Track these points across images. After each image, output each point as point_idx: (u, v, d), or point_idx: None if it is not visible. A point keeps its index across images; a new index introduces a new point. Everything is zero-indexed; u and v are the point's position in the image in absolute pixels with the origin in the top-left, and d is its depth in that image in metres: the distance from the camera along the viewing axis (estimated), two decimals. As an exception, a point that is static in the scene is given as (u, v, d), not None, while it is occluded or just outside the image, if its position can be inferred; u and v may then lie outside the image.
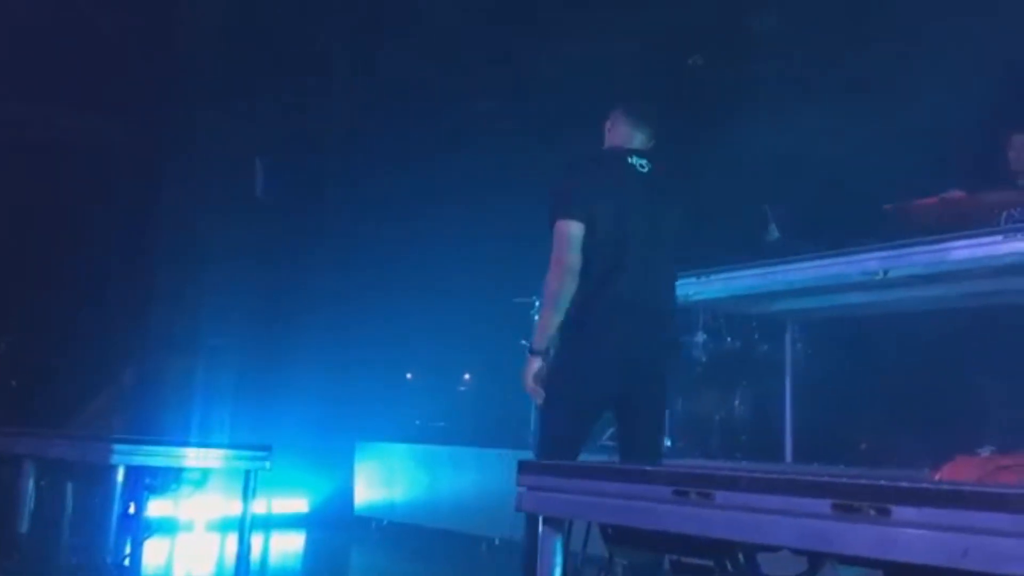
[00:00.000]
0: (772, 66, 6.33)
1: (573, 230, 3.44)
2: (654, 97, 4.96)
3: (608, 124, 3.85)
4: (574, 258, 3.42)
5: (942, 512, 1.35)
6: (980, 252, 3.33)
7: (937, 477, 2.71)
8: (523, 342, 7.24)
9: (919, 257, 3.53)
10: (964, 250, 3.37)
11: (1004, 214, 3.71)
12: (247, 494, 3.87)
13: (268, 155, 7.59)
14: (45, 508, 4.20)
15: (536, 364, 3.50)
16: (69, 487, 4.31)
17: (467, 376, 8.16)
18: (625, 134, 3.76)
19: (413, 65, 7.53)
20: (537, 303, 7.08)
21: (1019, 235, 3.23)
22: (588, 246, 3.44)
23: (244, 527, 3.87)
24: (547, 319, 3.49)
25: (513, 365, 7.30)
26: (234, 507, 4.00)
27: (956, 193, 4.20)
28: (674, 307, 3.67)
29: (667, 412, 6.02)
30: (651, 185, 3.62)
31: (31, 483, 4.18)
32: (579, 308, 3.41)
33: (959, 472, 2.63)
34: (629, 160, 3.65)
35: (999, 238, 3.27)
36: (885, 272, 3.65)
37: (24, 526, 4.08)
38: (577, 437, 3.46)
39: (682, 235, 3.67)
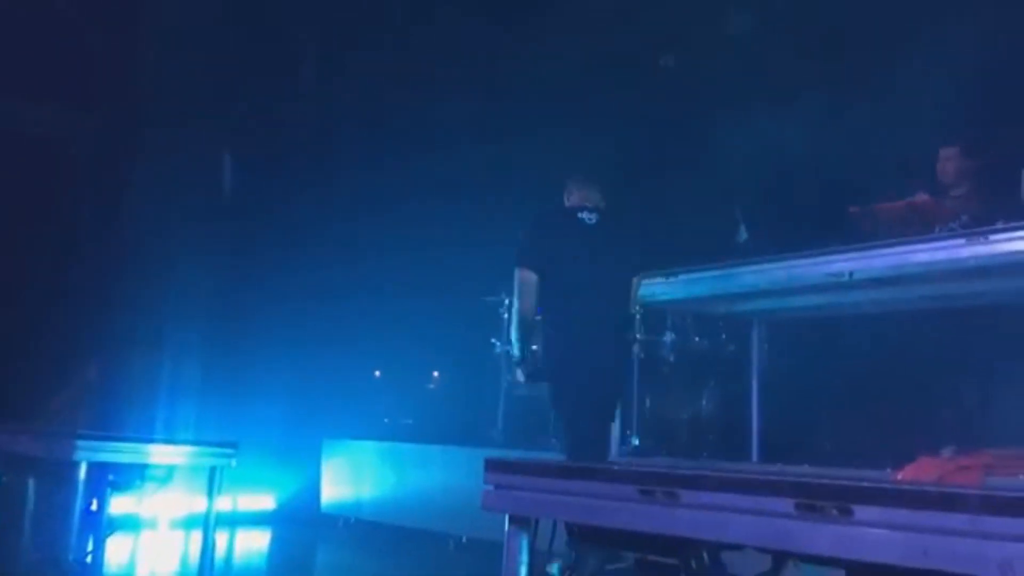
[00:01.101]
0: (742, 68, 6.38)
1: (527, 276, 4.54)
2: (600, 166, 5.71)
3: (565, 191, 4.89)
4: (528, 300, 4.55)
5: (903, 512, 1.37)
6: (943, 255, 3.37)
7: (900, 477, 2.74)
8: (492, 340, 7.26)
9: (884, 260, 3.57)
10: (927, 253, 3.41)
11: (963, 218, 3.76)
12: (212, 491, 3.84)
13: (236, 152, 7.53)
14: (7, 504, 4.14)
15: (521, 367, 4.74)
16: (31, 483, 4.25)
17: (436, 374, 8.15)
18: (578, 196, 4.84)
19: (382, 64, 7.51)
20: (507, 301, 7.10)
21: (981, 239, 3.27)
22: (545, 287, 4.54)
23: (209, 524, 3.84)
24: (516, 340, 4.63)
25: (481, 364, 7.35)
26: (199, 504, 3.97)
27: (922, 197, 4.25)
28: (618, 330, 4.73)
29: (633, 412, 6.06)
30: (595, 235, 4.68)
31: (-8, 478, 4.13)
32: (549, 334, 4.64)
33: (921, 472, 2.66)
34: (579, 215, 4.74)
35: (962, 241, 3.31)
36: (851, 274, 3.68)
37: (-16, 523, 4.03)
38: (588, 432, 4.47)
39: (630, 270, 4.54)
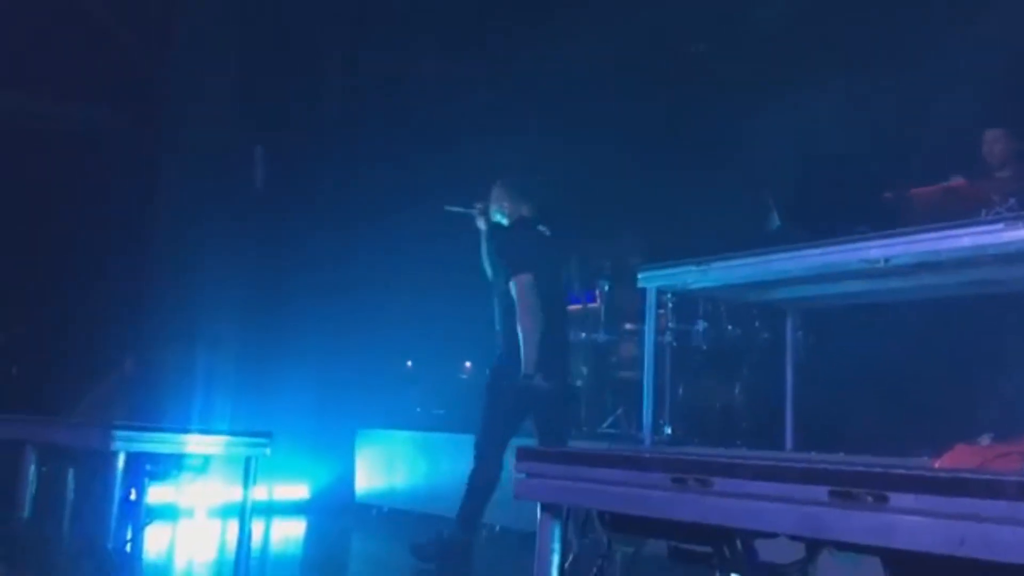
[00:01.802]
0: (774, 53, 6.32)
1: (532, 281, 4.74)
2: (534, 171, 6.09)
3: (502, 196, 5.06)
4: (538, 302, 4.72)
5: (939, 499, 1.35)
6: (982, 240, 3.32)
7: (936, 465, 2.71)
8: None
9: (920, 245, 3.52)
10: (965, 238, 3.36)
11: (1011, 200, 3.70)
12: (248, 480, 3.88)
13: (267, 145, 7.58)
14: (47, 494, 4.21)
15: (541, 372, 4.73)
16: (71, 473, 4.32)
17: (468, 364, 8.17)
18: (528, 208, 5.03)
19: (411, 55, 7.53)
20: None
21: (1021, 223, 3.22)
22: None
23: (245, 513, 3.88)
24: (534, 352, 4.70)
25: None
26: (235, 493, 4.01)
27: (958, 180, 4.19)
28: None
29: (666, 400, 6.04)
30: (553, 248, 5.07)
31: (33, 469, 4.20)
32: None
33: (958, 460, 2.63)
34: (539, 228, 5.02)
35: (1001, 226, 3.26)
36: (886, 260, 3.64)
37: (26, 512, 4.10)
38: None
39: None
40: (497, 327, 4.95)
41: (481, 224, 5.15)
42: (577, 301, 7.35)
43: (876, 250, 3.64)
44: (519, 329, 4.72)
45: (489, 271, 5.10)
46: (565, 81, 7.29)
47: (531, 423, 4.92)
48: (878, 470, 1.46)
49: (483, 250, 5.14)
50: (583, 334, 6.99)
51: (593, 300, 7.10)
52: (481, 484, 4.82)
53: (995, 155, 4.59)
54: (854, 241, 3.73)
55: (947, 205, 3.89)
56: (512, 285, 4.78)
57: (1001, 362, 4.51)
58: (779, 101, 5.95)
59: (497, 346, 4.96)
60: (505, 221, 5.08)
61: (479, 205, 5.13)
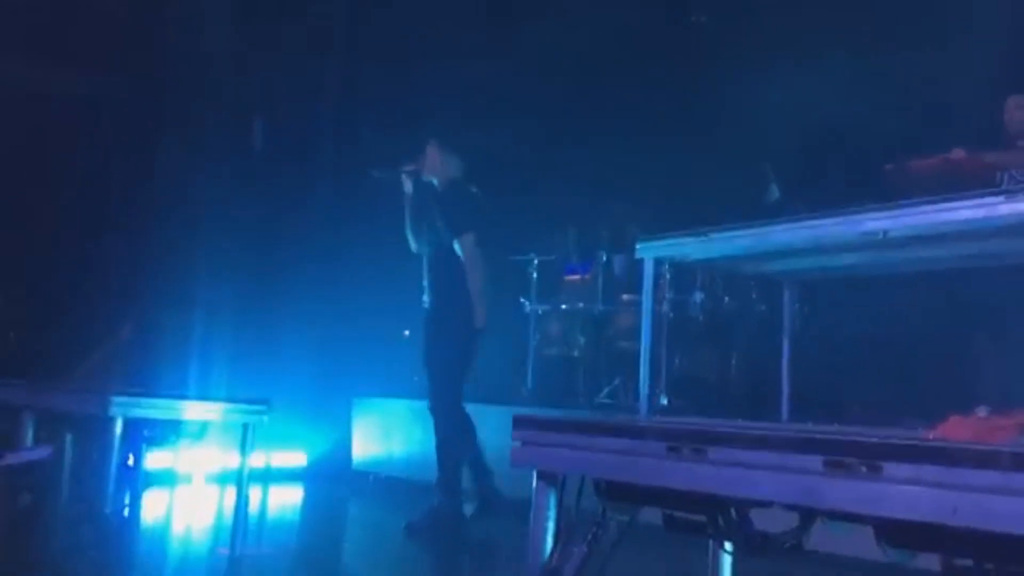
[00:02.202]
0: (775, 24, 6.27)
1: (476, 239, 4.96)
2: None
3: (436, 156, 5.15)
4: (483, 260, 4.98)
5: (933, 469, 1.36)
6: (980, 213, 3.31)
7: (931, 437, 2.72)
8: (521, 300, 7.27)
9: (919, 218, 3.51)
10: (964, 211, 3.35)
11: (1005, 175, 3.69)
12: (245, 447, 3.90)
13: (265, 110, 7.54)
14: (45, 460, 4.22)
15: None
16: (69, 439, 4.34)
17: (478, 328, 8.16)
18: (456, 165, 5.15)
19: (411, 21, 7.46)
20: (536, 260, 7.08)
21: (1020, 196, 3.21)
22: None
23: (242, 480, 3.90)
24: (485, 307, 4.99)
25: (511, 323, 7.36)
26: (233, 460, 4.03)
27: (958, 153, 4.17)
28: None
29: (662, 371, 6.06)
30: (486, 207, 5.20)
31: (30, 434, 4.21)
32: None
33: (952, 432, 2.64)
34: (472, 189, 5.16)
35: (1000, 199, 3.25)
36: (884, 233, 3.63)
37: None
38: None
39: None
40: (425, 283, 5.15)
41: (408, 187, 5.20)
42: (575, 271, 7.36)
43: (874, 222, 3.63)
44: (469, 285, 4.96)
45: (413, 233, 5.21)
46: (565, 51, 7.24)
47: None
48: (872, 440, 1.47)
49: (407, 212, 5.21)
50: (580, 304, 7.00)
51: (590, 270, 7.10)
52: (451, 443, 4.97)
53: (1016, 121, 4.49)
54: (852, 213, 3.72)
55: (947, 177, 3.87)
56: (457, 244, 5.00)
57: (998, 335, 4.52)
58: (780, 72, 5.92)
59: (425, 304, 5.15)
60: (436, 181, 5.18)
61: (409, 167, 5.18)
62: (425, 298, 5.17)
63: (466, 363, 5.09)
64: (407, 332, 8.26)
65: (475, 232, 5.03)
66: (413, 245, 5.25)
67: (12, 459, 3.41)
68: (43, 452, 3.64)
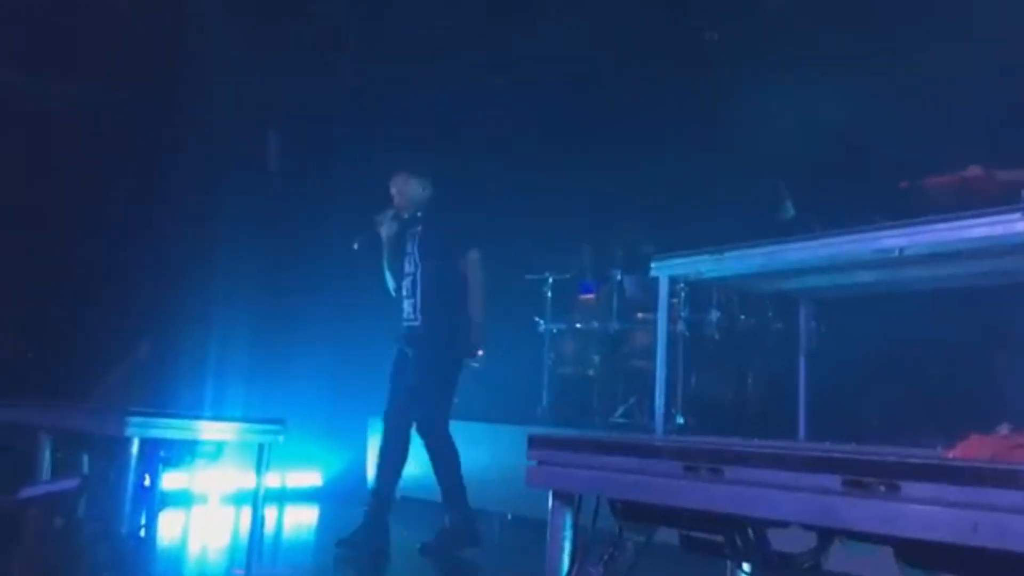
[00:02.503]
0: (787, 41, 6.28)
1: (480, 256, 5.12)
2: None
3: (411, 185, 5.25)
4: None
5: (952, 488, 1.35)
6: (997, 231, 3.29)
7: (950, 456, 2.69)
8: (536, 319, 7.26)
9: (935, 235, 3.49)
10: (981, 228, 3.33)
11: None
12: (261, 467, 3.90)
13: (281, 129, 7.59)
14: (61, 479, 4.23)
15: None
16: (85, 459, 4.35)
17: (480, 352, 8.16)
18: (429, 187, 5.28)
19: (425, 36, 7.51)
20: (550, 279, 7.08)
21: (1037, 213, 3.18)
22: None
23: (258, 500, 3.90)
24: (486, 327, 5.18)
25: (526, 342, 7.35)
26: (248, 480, 4.03)
27: (974, 170, 4.15)
28: None
29: (678, 390, 6.02)
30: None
31: (48, 454, 4.22)
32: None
33: (972, 451, 2.62)
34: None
35: (1017, 215, 3.23)
36: (901, 250, 3.61)
37: (41, 497, 4.12)
38: None
39: None
40: (412, 304, 5.18)
41: (392, 229, 5.27)
42: (589, 290, 7.35)
43: (890, 240, 3.61)
44: (472, 304, 5.08)
45: (392, 272, 5.32)
46: (579, 68, 7.26)
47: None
48: (891, 459, 1.46)
49: (386, 253, 5.30)
50: (595, 323, 6.99)
51: (605, 289, 7.09)
52: (452, 461, 5.03)
53: None
54: (868, 231, 3.71)
55: (963, 195, 3.85)
56: (468, 265, 5.12)
57: (1016, 353, 4.48)
58: (794, 89, 5.92)
59: (412, 324, 5.18)
60: (419, 212, 5.26)
61: (388, 212, 5.25)
62: (412, 319, 5.19)
63: (456, 383, 5.22)
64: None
65: (479, 248, 5.14)
66: (392, 284, 5.33)
67: (44, 489, 3.42)
68: (72, 483, 3.65)
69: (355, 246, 5.34)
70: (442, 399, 5.14)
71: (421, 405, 5.11)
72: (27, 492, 3.24)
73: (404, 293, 5.23)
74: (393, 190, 5.26)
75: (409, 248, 5.26)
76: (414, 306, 5.17)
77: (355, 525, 5.04)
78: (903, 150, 5.28)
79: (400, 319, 5.25)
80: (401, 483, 5.47)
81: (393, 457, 5.18)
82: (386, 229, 5.26)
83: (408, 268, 5.23)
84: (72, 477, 3.59)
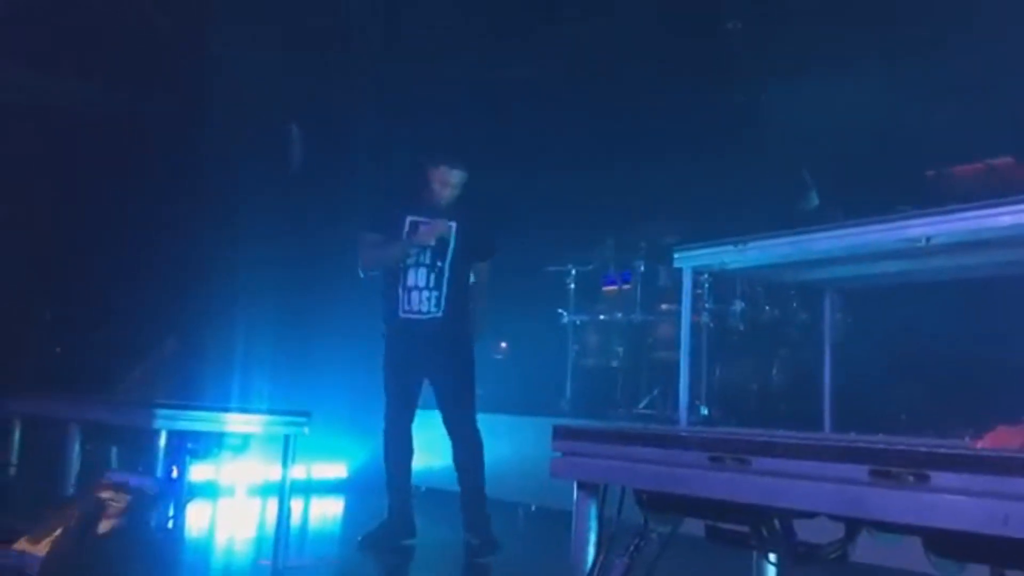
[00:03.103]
0: (812, 30, 6.22)
1: None
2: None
3: (453, 178, 5.02)
4: None
5: (982, 478, 1.34)
6: (1025, 219, 3.25)
7: (978, 446, 2.67)
8: (559, 310, 7.26)
9: (962, 224, 3.46)
10: (1008, 216, 3.30)
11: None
12: (286, 459, 3.93)
13: (303, 124, 7.61)
14: (91, 471, 4.28)
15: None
16: (114, 451, 4.40)
17: (503, 344, 8.18)
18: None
19: (445, 31, 7.51)
20: (573, 271, 7.08)
21: (1066, 201, 3.15)
22: None
23: (284, 491, 3.93)
24: None
25: (549, 334, 7.35)
26: (274, 472, 4.06)
27: (1004, 159, 4.10)
28: None
29: (702, 381, 6.00)
30: None
31: (77, 447, 4.27)
32: None
33: (1000, 441, 2.59)
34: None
35: (1045, 204, 3.20)
36: (927, 239, 3.58)
37: (70, 489, 4.18)
38: None
39: None
40: (436, 295, 4.99)
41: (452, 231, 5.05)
42: (613, 282, 7.33)
43: (917, 229, 3.58)
44: (481, 303, 5.17)
45: (428, 268, 5.03)
46: (604, 61, 7.24)
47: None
48: (920, 449, 1.45)
49: (428, 253, 5.02)
50: (619, 314, 6.97)
51: (629, 280, 7.07)
52: (482, 456, 5.05)
53: None
54: (894, 220, 3.68)
55: (991, 184, 3.81)
56: (485, 265, 5.19)
57: (1045, 343, 4.44)
58: (817, 78, 5.88)
59: (434, 315, 4.99)
60: (463, 206, 5.10)
61: (448, 224, 5.00)
62: (432, 311, 4.98)
63: None
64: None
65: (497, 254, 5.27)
66: (423, 280, 5.01)
67: (128, 480, 3.41)
68: (151, 486, 3.62)
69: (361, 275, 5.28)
70: (475, 391, 5.17)
71: (467, 403, 5.09)
72: (113, 477, 3.23)
73: (419, 283, 4.99)
74: (436, 183, 4.99)
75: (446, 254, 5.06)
76: (437, 299, 4.99)
77: (380, 518, 5.04)
78: (929, 138, 5.24)
79: (403, 310, 5.03)
80: (432, 475, 5.51)
81: (407, 454, 5.16)
82: (450, 232, 5.02)
83: (425, 258, 4.99)
84: (151, 480, 3.56)
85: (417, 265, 5.00)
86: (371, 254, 5.09)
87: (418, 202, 5.04)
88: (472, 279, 5.17)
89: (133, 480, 3.30)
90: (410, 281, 5.02)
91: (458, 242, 5.02)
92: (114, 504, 3.05)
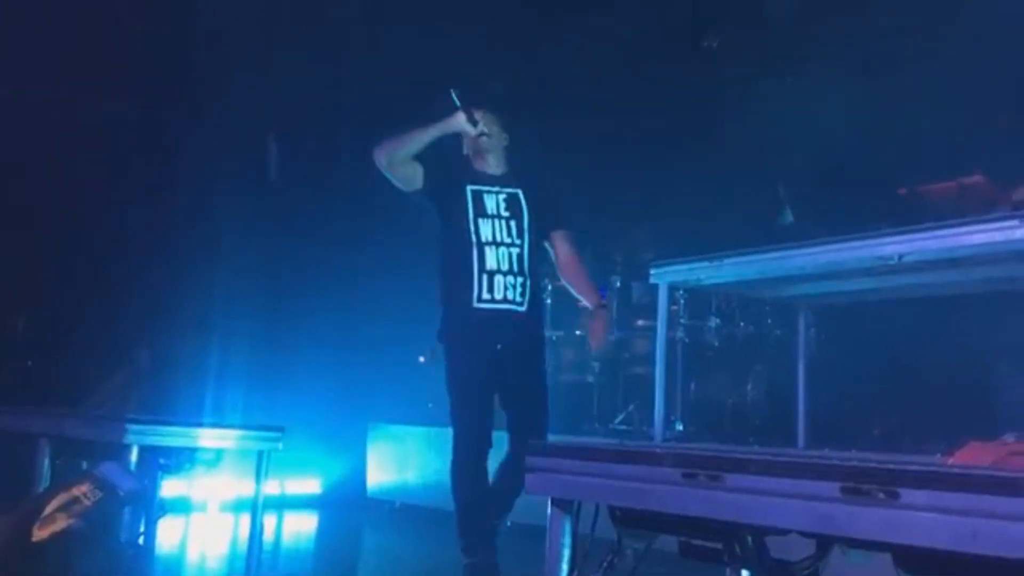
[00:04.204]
0: (787, 48, 6.29)
1: None
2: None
3: (505, 130, 4.22)
4: None
5: (951, 495, 1.35)
6: (996, 237, 3.30)
7: (950, 463, 2.70)
8: (547, 333, 7.24)
9: (934, 242, 3.51)
10: (980, 235, 3.35)
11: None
12: (260, 475, 3.89)
13: (280, 136, 7.59)
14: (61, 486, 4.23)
15: None
16: (84, 466, 4.34)
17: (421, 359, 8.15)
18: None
19: (425, 43, 7.51)
20: (550, 286, 7.08)
21: (1035, 220, 3.20)
22: None
23: (257, 507, 3.89)
24: None
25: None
26: (247, 487, 4.02)
27: (975, 178, 4.16)
28: None
29: (677, 397, 6.02)
30: None
31: (47, 462, 4.22)
32: None
33: (972, 458, 2.62)
34: None
35: (1015, 223, 3.25)
36: (900, 257, 3.63)
37: (39, 504, 4.12)
38: None
39: None
40: (520, 288, 3.95)
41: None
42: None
43: (890, 247, 3.63)
44: (584, 290, 4.18)
45: (502, 222, 4.03)
46: (578, 75, 7.26)
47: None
48: (889, 466, 1.46)
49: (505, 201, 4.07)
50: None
51: (605, 296, 7.09)
52: None
53: None
54: (867, 238, 3.72)
55: (963, 202, 3.86)
56: (562, 237, 4.15)
57: (1017, 360, 4.48)
58: (792, 96, 5.93)
59: (515, 309, 3.93)
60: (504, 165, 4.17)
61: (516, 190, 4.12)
62: (517, 303, 3.94)
63: None
64: (423, 358, 8.26)
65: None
66: (505, 261, 3.96)
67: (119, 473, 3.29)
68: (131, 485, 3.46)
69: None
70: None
71: (541, 408, 4.07)
72: (104, 470, 3.14)
73: (495, 266, 3.92)
74: (481, 124, 4.07)
75: (503, 210, 4.02)
76: (521, 288, 3.94)
77: (357, 537, 4.90)
78: (902, 156, 5.29)
79: (480, 298, 3.93)
80: (407, 491, 5.36)
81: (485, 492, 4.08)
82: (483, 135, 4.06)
83: (502, 236, 3.97)
84: (132, 480, 3.45)
85: (495, 243, 3.96)
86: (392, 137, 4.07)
87: (472, 172, 4.14)
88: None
89: (111, 475, 3.23)
90: (489, 261, 3.95)
91: (531, 211, 4.04)
92: (82, 501, 2.97)
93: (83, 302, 6.56)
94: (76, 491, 2.92)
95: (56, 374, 6.27)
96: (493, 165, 4.12)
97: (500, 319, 3.90)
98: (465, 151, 4.18)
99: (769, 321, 6.15)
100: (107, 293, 6.58)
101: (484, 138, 4.06)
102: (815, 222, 4.22)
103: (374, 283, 7.57)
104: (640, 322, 6.74)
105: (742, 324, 6.24)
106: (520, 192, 4.06)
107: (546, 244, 4.14)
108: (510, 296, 3.91)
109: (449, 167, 4.14)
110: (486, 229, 3.94)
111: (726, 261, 4.24)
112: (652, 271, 4.59)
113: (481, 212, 3.98)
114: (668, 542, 2.00)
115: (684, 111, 6.87)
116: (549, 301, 7.15)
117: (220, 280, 6.86)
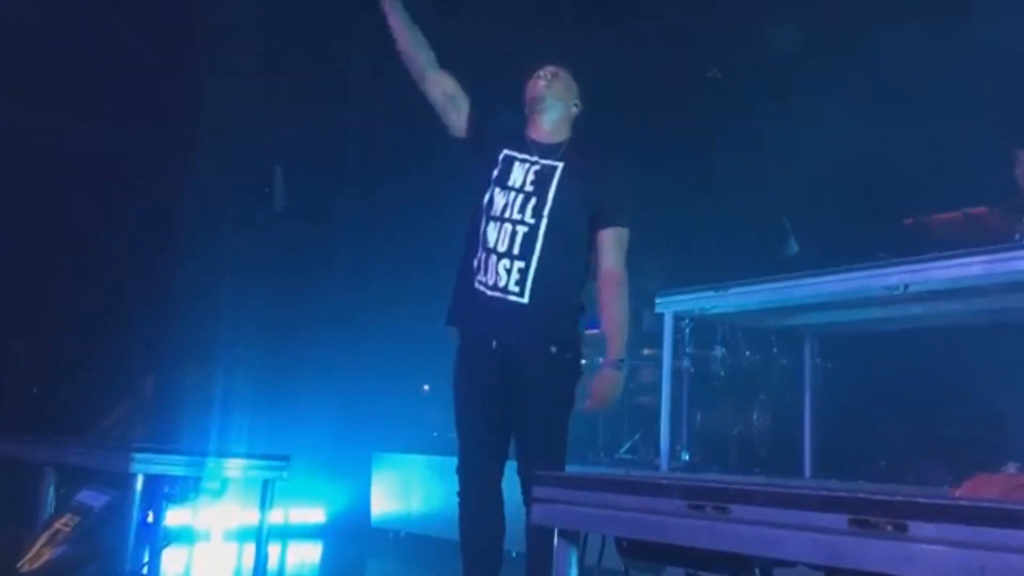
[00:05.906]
0: (791, 79, 6.32)
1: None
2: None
3: (574, 93, 3.59)
4: None
5: (960, 528, 1.34)
6: (1002, 268, 3.31)
7: (956, 494, 2.68)
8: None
9: (940, 272, 3.51)
10: (985, 265, 3.35)
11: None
12: (264, 504, 3.88)
13: (286, 166, 7.63)
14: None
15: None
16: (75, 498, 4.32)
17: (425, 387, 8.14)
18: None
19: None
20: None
21: (1040, 250, 3.20)
22: None
23: (261, 536, 3.88)
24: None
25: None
26: (251, 516, 4.01)
27: (979, 208, 4.17)
28: None
29: (683, 426, 5.99)
30: None
31: (51, 490, 4.21)
32: None
33: (979, 489, 2.60)
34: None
35: (1021, 253, 3.25)
36: (905, 287, 3.63)
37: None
38: None
39: None
40: (520, 273, 3.22)
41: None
42: (594, 326, 7.33)
43: (895, 277, 3.64)
44: (609, 304, 3.48)
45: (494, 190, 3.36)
46: (584, 96, 7.29)
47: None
48: (898, 499, 1.45)
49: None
50: (599, 359, 6.95)
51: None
52: None
53: None
54: (873, 267, 3.73)
55: (968, 232, 3.88)
56: (610, 236, 3.40)
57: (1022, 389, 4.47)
58: (797, 126, 5.95)
59: (511, 298, 3.24)
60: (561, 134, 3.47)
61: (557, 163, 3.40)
62: (513, 287, 3.26)
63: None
64: (427, 387, 8.26)
65: (630, 228, 3.52)
66: (506, 240, 3.27)
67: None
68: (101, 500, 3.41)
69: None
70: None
71: (556, 455, 3.41)
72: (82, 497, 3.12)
73: (493, 245, 3.26)
74: (550, 74, 3.50)
75: (528, 184, 3.31)
76: (519, 274, 3.22)
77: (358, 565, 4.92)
78: (907, 187, 5.30)
79: (476, 280, 3.30)
80: (411, 520, 5.27)
81: (489, 524, 3.65)
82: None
83: (512, 211, 3.27)
84: (99, 495, 3.39)
85: (501, 219, 3.28)
86: None
87: (519, 135, 3.46)
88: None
89: (86, 499, 3.20)
90: (490, 238, 3.28)
91: (562, 190, 3.27)
92: (63, 531, 2.97)
93: (88, 330, 6.57)
94: (57, 525, 2.93)
95: (60, 402, 6.27)
96: (547, 131, 3.42)
97: (494, 309, 3.22)
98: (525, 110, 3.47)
99: (775, 350, 6.14)
100: (112, 321, 6.60)
101: (538, 96, 3.42)
102: (821, 252, 4.23)
103: (378, 313, 7.58)
104: (645, 351, 6.73)
105: (748, 353, 6.23)
106: (561, 166, 3.32)
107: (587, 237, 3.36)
108: (502, 283, 3.20)
109: (503, 124, 3.54)
110: (500, 201, 3.29)
111: (732, 291, 4.25)
112: (657, 300, 4.60)
113: (503, 181, 3.32)
114: (676, 574, 1.99)
115: (690, 140, 6.89)
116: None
117: (225, 309, 6.87)
